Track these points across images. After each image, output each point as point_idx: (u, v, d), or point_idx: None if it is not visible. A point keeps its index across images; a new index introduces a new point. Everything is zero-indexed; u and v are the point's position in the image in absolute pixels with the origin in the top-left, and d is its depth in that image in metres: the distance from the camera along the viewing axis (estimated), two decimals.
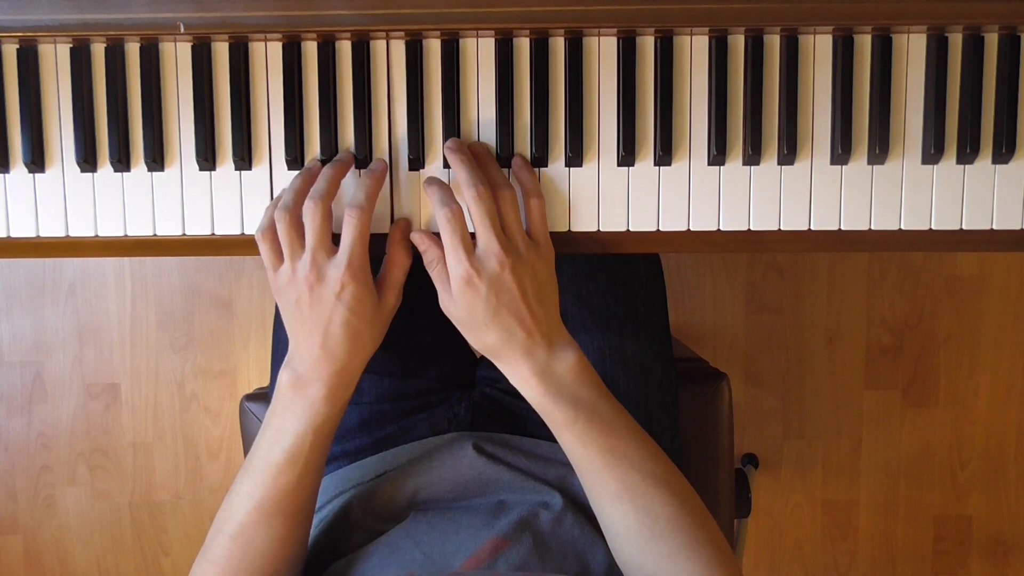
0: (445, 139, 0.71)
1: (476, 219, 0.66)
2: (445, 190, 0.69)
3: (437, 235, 0.70)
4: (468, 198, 0.67)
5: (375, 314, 0.69)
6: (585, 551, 0.73)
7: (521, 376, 0.68)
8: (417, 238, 0.71)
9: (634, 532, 0.67)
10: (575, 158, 0.71)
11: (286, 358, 0.70)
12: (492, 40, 0.71)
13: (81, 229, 0.73)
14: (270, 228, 0.68)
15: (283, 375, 0.69)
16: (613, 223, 0.72)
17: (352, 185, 0.71)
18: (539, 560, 0.70)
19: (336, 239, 0.68)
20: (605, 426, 0.68)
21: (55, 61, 0.71)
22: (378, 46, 0.71)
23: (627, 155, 0.71)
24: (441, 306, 0.70)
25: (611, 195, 0.72)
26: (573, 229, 0.73)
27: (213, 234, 0.72)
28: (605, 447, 0.68)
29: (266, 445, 0.69)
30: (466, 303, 0.67)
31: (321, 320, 0.67)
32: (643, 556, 0.67)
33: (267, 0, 0.68)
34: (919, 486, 1.68)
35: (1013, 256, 1.63)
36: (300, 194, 0.68)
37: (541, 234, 0.69)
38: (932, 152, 0.71)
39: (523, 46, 0.71)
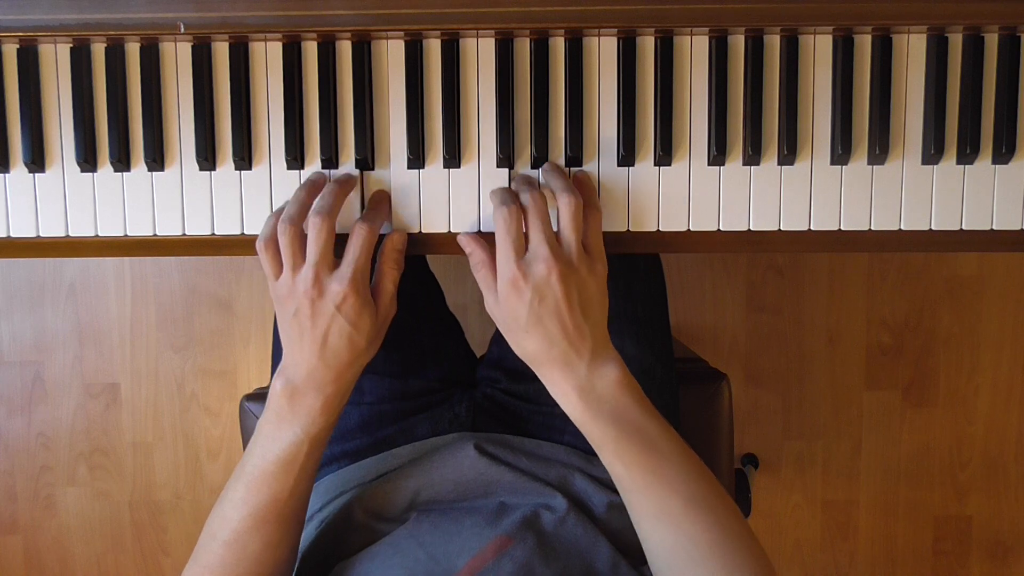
0: (445, 139, 0.71)
1: (528, 222, 0.66)
2: (508, 192, 0.69)
3: (482, 235, 0.71)
4: (523, 200, 0.67)
5: (372, 325, 0.69)
6: (588, 551, 0.73)
7: (560, 390, 0.68)
8: (463, 240, 0.71)
9: (672, 554, 0.66)
10: (575, 158, 0.71)
11: (280, 366, 0.70)
12: (492, 40, 0.71)
13: (81, 229, 0.72)
14: (272, 239, 0.68)
15: (277, 383, 0.69)
16: (614, 223, 0.72)
17: (354, 200, 0.71)
18: (543, 559, 0.70)
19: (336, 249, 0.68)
20: (647, 446, 0.67)
21: (55, 61, 0.71)
22: (378, 46, 0.71)
23: (627, 155, 0.71)
24: (486, 308, 0.69)
25: (611, 195, 0.72)
26: None
27: (213, 234, 0.72)
28: (646, 468, 0.66)
29: (259, 452, 0.69)
30: (510, 306, 0.66)
31: (320, 332, 0.67)
32: None
33: (267, 0, 0.68)
34: (919, 486, 1.68)
35: (1013, 256, 1.63)
36: (304, 206, 0.68)
37: (596, 248, 0.68)
38: (932, 152, 0.71)
39: (523, 46, 0.71)
